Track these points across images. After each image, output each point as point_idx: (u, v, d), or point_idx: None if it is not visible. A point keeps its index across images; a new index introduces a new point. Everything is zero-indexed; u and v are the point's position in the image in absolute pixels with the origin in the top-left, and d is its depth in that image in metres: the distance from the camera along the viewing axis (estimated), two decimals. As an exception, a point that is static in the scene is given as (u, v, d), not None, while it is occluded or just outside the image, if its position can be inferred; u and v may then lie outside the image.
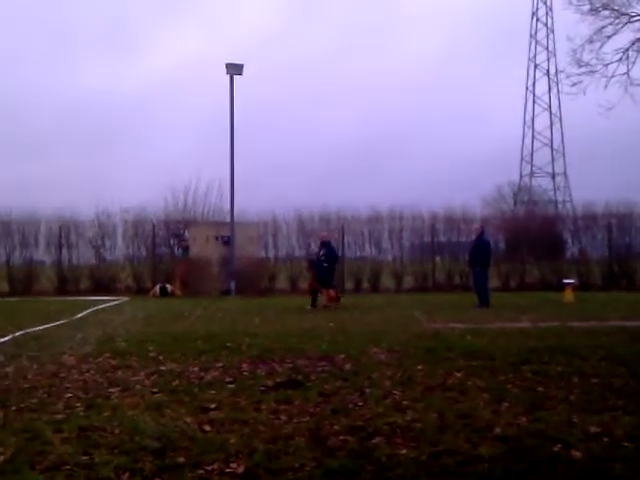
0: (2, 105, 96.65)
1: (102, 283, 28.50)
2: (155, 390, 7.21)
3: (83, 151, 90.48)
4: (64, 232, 29.04)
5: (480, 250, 19.39)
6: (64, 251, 29.16)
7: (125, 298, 24.28)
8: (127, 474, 4.54)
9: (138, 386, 7.46)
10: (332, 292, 18.87)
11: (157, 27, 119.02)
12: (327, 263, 19.39)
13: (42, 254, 29.51)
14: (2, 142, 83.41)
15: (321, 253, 19.62)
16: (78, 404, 6.59)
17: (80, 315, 16.47)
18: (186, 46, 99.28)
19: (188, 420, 5.88)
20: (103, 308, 19.23)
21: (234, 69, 25.91)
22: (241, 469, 4.63)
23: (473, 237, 21.39)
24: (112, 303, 21.43)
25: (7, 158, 78.66)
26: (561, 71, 14.61)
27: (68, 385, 7.54)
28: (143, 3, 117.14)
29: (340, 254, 28.80)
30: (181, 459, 4.81)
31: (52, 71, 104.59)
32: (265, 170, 79.65)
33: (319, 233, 22.70)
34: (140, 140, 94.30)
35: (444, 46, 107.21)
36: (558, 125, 73.55)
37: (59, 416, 6.10)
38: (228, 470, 4.62)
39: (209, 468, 4.65)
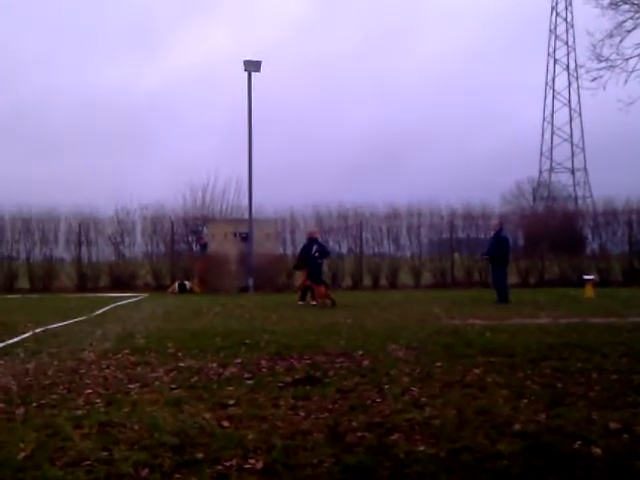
0: (26, 105, 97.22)
1: (121, 280, 28.66)
2: (174, 386, 7.24)
3: (105, 149, 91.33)
4: (83, 229, 29.26)
5: (499, 247, 19.31)
6: (83, 248, 29.40)
7: (144, 295, 24.41)
8: (146, 470, 4.55)
9: (157, 382, 7.49)
10: (322, 289, 18.88)
11: (180, 26, 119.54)
12: (320, 259, 19.57)
13: (62, 251, 29.78)
14: (25, 141, 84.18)
15: (314, 249, 19.54)
16: (98, 400, 6.63)
17: (99, 312, 16.58)
18: (209, 45, 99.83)
19: (207, 416, 5.90)
20: (122, 305, 19.33)
21: (252, 66, 25.93)
22: (259, 465, 4.63)
23: (492, 233, 21.30)
24: (131, 300, 21.56)
25: (29, 157, 79.43)
26: (581, 66, 14.52)
27: (88, 381, 7.59)
28: (166, 2, 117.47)
29: (358, 251, 28.90)
30: (200, 455, 4.83)
31: (75, 71, 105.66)
32: (285, 167, 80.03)
33: (309, 230, 22.62)
34: (162, 138, 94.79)
35: (463, 44, 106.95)
36: (578, 120, 73.15)
37: (79, 412, 6.13)
38: (246, 466, 4.63)
39: (227, 464, 4.66)
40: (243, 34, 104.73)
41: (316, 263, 19.35)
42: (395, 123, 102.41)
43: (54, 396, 6.84)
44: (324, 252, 20.08)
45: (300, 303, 19.00)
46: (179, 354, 9.31)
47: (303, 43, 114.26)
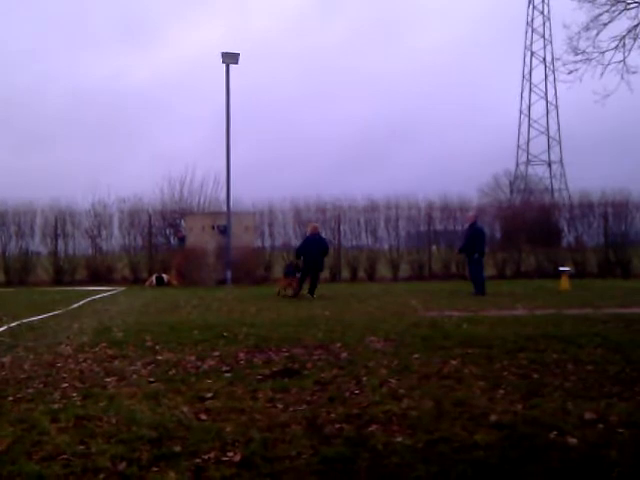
0: (14, 97, 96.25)
1: (98, 273, 28.49)
2: (152, 379, 7.21)
3: (90, 142, 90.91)
4: (60, 222, 29.02)
5: (474, 238, 19.41)
6: (60, 241, 29.16)
7: (121, 288, 24.30)
8: (124, 463, 4.53)
9: (135, 376, 7.46)
10: (291, 281, 19.44)
11: (172, 19, 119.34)
12: (323, 255, 19.68)
13: (38, 244, 29.51)
14: (11, 133, 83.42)
15: (318, 244, 19.64)
16: (74, 394, 6.59)
17: (76, 305, 16.47)
18: (200, 38, 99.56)
19: (185, 409, 5.89)
20: (99, 298, 19.22)
21: (230, 58, 25.81)
22: (237, 457, 4.63)
23: (466, 226, 21.41)
24: (108, 293, 21.44)
25: (13, 148, 78.68)
26: (557, 59, 14.58)
27: (64, 375, 7.54)
28: None
29: (336, 243, 28.96)
30: (177, 448, 4.82)
31: (64, 63, 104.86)
32: (270, 161, 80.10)
33: (312, 224, 22.64)
34: (149, 132, 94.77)
35: (447, 38, 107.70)
36: (554, 113, 73.73)
37: (55, 406, 6.09)
38: (225, 459, 4.62)
39: (206, 457, 4.65)
40: (234, 27, 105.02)
41: (318, 257, 19.42)
42: (379, 117, 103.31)
43: (30, 390, 6.79)
44: (326, 249, 20.10)
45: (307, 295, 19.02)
46: (157, 347, 9.28)
47: (293, 37, 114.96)
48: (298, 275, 19.59)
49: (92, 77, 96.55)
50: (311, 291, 19.11)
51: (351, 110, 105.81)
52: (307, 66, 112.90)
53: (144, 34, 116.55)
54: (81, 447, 4.87)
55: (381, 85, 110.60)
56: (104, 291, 22.16)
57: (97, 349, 9.21)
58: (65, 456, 4.68)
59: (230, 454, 4.70)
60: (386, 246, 30.01)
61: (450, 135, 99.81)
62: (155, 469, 4.45)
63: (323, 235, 21.87)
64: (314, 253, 19.31)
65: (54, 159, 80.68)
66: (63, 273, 28.65)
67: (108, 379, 7.29)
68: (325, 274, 28.64)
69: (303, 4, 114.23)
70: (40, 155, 79.48)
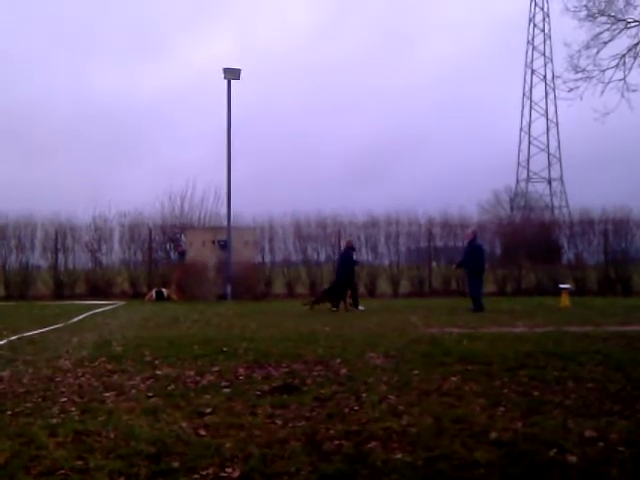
0: (20, 109, 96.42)
1: (98, 287, 28.47)
2: (150, 394, 7.19)
3: (95, 155, 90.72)
4: (60, 236, 29.01)
5: (473, 256, 19.46)
6: (60, 255, 29.13)
7: (121, 302, 24.26)
8: (122, 478, 4.53)
9: (134, 390, 7.45)
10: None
11: (182, 33, 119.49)
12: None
13: (38, 258, 29.48)
14: (15, 146, 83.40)
15: (355, 257, 21.25)
16: (73, 408, 6.58)
17: (76, 319, 16.45)
18: (208, 53, 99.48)
19: (183, 425, 5.87)
20: (99, 312, 19.19)
21: (231, 74, 25.91)
22: (236, 474, 4.62)
23: (465, 242, 21.45)
24: (108, 307, 21.41)
25: (17, 161, 78.72)
26: (558, 77, 14.63)
27: (63, 389, 7.52)
28: (168, 8, 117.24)
29: (336, 259, 29.03)
30: (176, 464, 4.80)
31: (70, 75, 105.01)
32: (274, 175, 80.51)
33: (347, 239, 23.97)
34: (155, 146, 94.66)
35: (449, 56, 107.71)
36: (554, 131, 73.76)
37: (54, 420, 6.08)
38: (223, 475, 4.61)
39: (204, 473, 4.64)
40: (243, 42, 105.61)
41: (348, 272, 20.27)
42: (382, 132, 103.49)
43: (29, 404, 6.77)
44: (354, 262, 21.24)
45: (351, 309, 19.66)
46: (156, 362, 9.26)
47: (300, 51, 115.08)
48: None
49: (98, 90, 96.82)
50: (354, 303, 19.95)
51: (355, 125, 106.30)
52: (313, 81, 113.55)
53: (152, 47, 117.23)
54: (79, 462, 4.86)
55: (384, 100, 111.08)
56: (104, 305, 22.13)
57: (96, 363, 9.20)
58: (63, 471, 4.67)
59: (229, 470, 4.69)
60: (386, 262, 29.99)
61: (452, 151, 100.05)
62: (153, 485, 4.44)
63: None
64: (340, 268, 20.66)
65: (58, 172, 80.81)
66: (63, 287, 28.61)
67: (107, 394, 7.27)
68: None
69: (311, 19, 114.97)
70: (44, 168, 79.70)
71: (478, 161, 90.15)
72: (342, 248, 22.08)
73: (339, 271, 20.63)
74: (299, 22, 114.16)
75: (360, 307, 19.73)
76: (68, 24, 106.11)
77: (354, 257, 21.00)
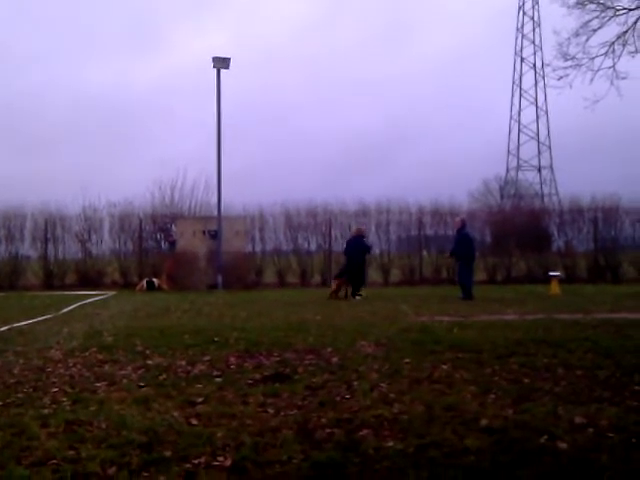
0: (17, 101, 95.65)
1: (89, 277, 28.38)
2: (142, 384, 7.19)
3: (89, 147, 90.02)
4: (50, 226, 28.87)
5: (462, 244, 19.52)
6: (50, 245, 29.00)
7: (112, 292, 24.21)
8: (114, 468, 4.52)
9: (125, 380, 7.44)
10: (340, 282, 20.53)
11: (178, 24, 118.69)
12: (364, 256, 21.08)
13: (28, 248, 29.35)
14: (11, 137, 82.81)
15: (363, 245, 21.20)
16: (64, 399, 6.57)
17: (66, 309, 16.41)
18: (205, 44, 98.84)
19: (175, 414, 5.88)
20: (90, 302, 19.15)
21: (221, 63, 25.79)
22: (228, 462, 4.63)
23: (454, 231, 21.52)
24: (99, 297, 21.36)
25: (12, 153, 78.18)
26: (547, 64, 14.62)
27: (54, 380, 7.51)
28: (164, 1, 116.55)
29: (327, 248, 29.04)
30: (168, 453, 4.81)
31: (66, 67, 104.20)
32: (269, 165, 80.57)
33: (357, 227, 23.87)
34: (149, 136, 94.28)
35: (441, 45, 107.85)
36: (544, 119, 73.99)
37: (45, 411, 6.08)
38: (215, 463, 4.62)
39: (196, 462, 4.64)
40: (240, 33, 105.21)
41: (361, 259, 20.62)
42: (375, 122, 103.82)
43: (20, 395, 6.76)
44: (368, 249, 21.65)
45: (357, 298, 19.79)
46: (147, 352, 9.26)
47: (299, 42, 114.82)
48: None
49: (95, 81, 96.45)
50: (353, 293, 20.01)
51: (349, 115, 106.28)
52: (310, 71, 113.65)
53: (149, 39, 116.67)
54: (71, 452, 4.86)
55: (379, 91, 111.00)
56: (94, 295, 22.08)
57: (87, 354, 9.19)
58: (55, 461, 4.67)
59: (221, 459, 4.69)
60: (377, 251, 30.00)
61: (444, 140, 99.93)
62: (145, 474, 4.45)
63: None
64: (353, 255, 20.72)
65: (52, 164, 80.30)
66: (53, 277, 28.50)
67: (98, 384, 7.27)
68: (316, 278, 28.78)
69: (309, 10, 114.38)
70: (39, 160, 79.11)
71: (470, 150, 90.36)
72: (351, 235, 22.27)
73: (353, 258, 20.65)
74: (297, 13, 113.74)
75: (357, 296, 19.78)
76: (64, 17, 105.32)
77: (368, 244, 21.06)
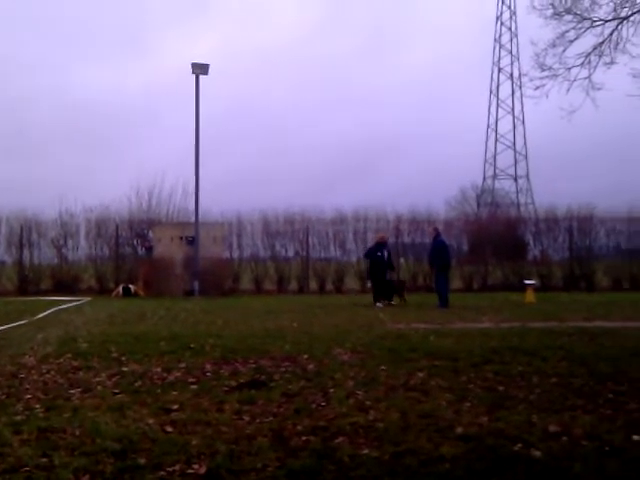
0: (5, 105, 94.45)
1: (64, 283, 28.14)
2: (117, 391, 7.14)
3: (75, 152, 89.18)
4: (25, 231, 28.61)
5: (437, 252, 19.67)
6: (25, 250, 28.73)
7: (87, 298, 24.02)
8: (87, 476, 4.48)
9: (99, 387, 7.39)
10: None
11: (167, 31, 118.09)
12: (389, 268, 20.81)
13: (3, 254, 29.09)
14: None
15: (385, 255, 20.70)
16: (38, 405, 6.50)
17: (41, 315, 16.26)
18: (196, 50, 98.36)
19: (150, 421, 5.84)
20: (65, 308, 19.00)
21: (199, 69, 25.79)
22: (203, 470, 4.60)
23: (430, 240, 21.71)
24: (74, 303, 21.18)
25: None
26: (524, 75, 14.71)
27: (28, 386, 7.44)
28: (155, 5, 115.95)
29: (305, 255, 29.04)
30: (142, 460, 4.77)
31: (54, 72, 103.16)
32: (253, 172, 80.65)
33: (379, 234, 23.41)
34: (136, 141, 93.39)
35: (425, 55, 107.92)
36: (521, 128, 74.49)
37: (18, 417, 6.01)
38: (190, 471, 4.59)
39: (170, 469, 4.61)
40: (230, 40, 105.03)
41: (384, 267, 20.40)
42: (356, 133, 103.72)
43: (-8, 401, 6.69)
44: (391, 263, 21.21)
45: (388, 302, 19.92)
46: (122, 358, 9.20)
47: (286, 51, 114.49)
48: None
49: (81, 86, 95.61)
50: (375, 299, 20.00)
51: (330, 125, 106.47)
52: (295, 81, 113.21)
53: (137, 45, 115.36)
54: (44, 459, 4.81)
55: (361, 101, 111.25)
56: (70, 301, 21.89)
57: (61, 360, 9.11)
58: (27, 468, 4.62)
59: (195, 466, 4.67)
60: (354, 258, 30.06)
61: (424, 149, 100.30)
62: (119, 482, 4.41)
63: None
64: (378, 262, 20.50)
65: (31, 168, 79.34)
66: (28, 283, 28.25)
67: (72, 390, 7.21)
68: (293, 285, 28.77)
69: (299, 19, 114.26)
70: (17, 164, 78.13)
71: (449, 159, 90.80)
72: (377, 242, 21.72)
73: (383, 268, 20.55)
74: (287, 21, 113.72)
75: (378, 304, 19.65)
76: (51, 21, 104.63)
77: (379, 254, 20.56)
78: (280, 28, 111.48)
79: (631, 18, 12.04)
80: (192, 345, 10.25)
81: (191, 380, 7.70)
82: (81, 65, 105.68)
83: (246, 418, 6.00)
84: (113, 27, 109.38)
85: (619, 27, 12.20)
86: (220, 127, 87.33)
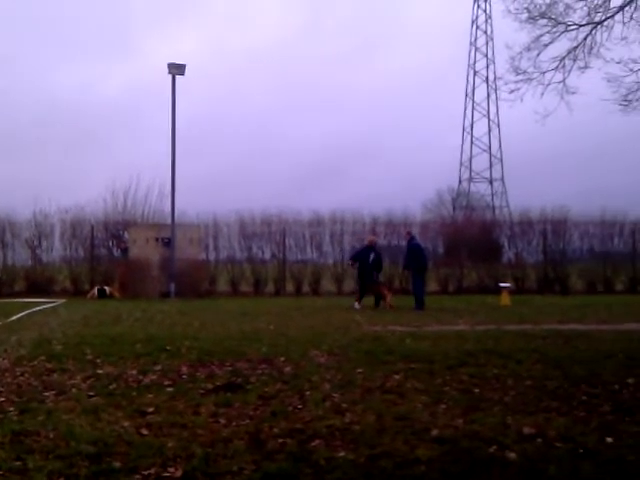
0: None
1: (38, 285, 27.85)
2: (91, 394, 7.09)
3: (52, 152, 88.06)
4: (-1, 232, 28.32)
5: (412, 255, 19.80)
6: (-2, 251, 28.43)
7: (62, 300, 23.81)
8: (61, 479, 4.45)
9: (74, 390, 7.33)
10: (383, 289, 20.49)
11: (151, 31, 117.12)
12: (376, 270, 20.72)
13: (-25, 255, 28.71)
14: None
15: (371, 258, 20.57)
16: (11, 408, 6.44)
17: (14, 318, 16.09)
18: (177, 50, 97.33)
19: (125, 424, 5.81)
20: (39, 310, 18.81)
21: (176, 69, 25.67)
22: (179, 473, 4.59)
23: (404, 243, 21.86)
24: (48, 305, 20.99)
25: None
26: (499, 78, 14.80)
27: (1, 389, 7.36)
28: (137, 5, 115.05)
29: (281, 257, 29.00)
30: (117, 464, 4.75)
31: (35, 71, 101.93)
32: (231, 174, 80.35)
33: (369, 237, 23.35)
34: (113, 142, 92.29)
35: (396, 62, 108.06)
36: (496, 131, 75.01)
37: (-9, 421, 5.96)
38: (165, 474, 4.58)
39: (146, 473, 4.59)
40: (212, 40, 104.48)
41: (370, 271, 20.38)
42: (332, 136, 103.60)
43: (-35, 404, 6.61)
44: (379, 265, 21.13)
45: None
46: (97, 361, 9.13)
47: (269, 53, 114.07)
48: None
49: (61, 85, 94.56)
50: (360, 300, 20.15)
51: (308, 128, 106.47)
52: (275, 83, 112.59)
53: (120, 44, 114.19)
54: (18, 463, 4.76)
55: (338, 105, 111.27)
56: (44, 303, 21.68)
57: (35, 362, 9.02)
58: (1, 472, 4.58)
59: (171, 470, 4.65)
60: (331, 260, 30.09)
61: (402, 153, 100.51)
62: (94, 485, 4.38)
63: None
64: (366, 263, 20.49)
65: (5, 167, 78.54)
66: (1, 284, 27.93)
67: (46, 393, 7.15)
68: (270, 287, 28.74)
69: (283, 23, 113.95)
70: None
71: (426, 162, 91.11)
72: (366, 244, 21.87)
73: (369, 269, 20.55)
74: (271, 22, 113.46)
75: (356, 305, 19.86)
76: (32, 19, 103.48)
77: (370, 257, 20.58)
78: (264, 30, 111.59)
79: (605, 23, 12.16)
80: (168, 347, 10.20)
81: (167, 383, 7.67)
82: (61, 64, 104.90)
83: (222, 421, 5.99)
84: (97, 27, 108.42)
85: (593, 32, 12.31)
86: (200, 128, 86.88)
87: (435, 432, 5.54)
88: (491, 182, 74.90)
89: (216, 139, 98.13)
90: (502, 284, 23.25)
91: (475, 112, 75.52)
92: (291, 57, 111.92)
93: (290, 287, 29.02)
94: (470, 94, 75.70)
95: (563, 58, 12.71)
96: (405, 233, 21.63)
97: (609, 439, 5.34)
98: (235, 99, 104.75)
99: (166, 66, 25.56)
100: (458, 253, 30.54)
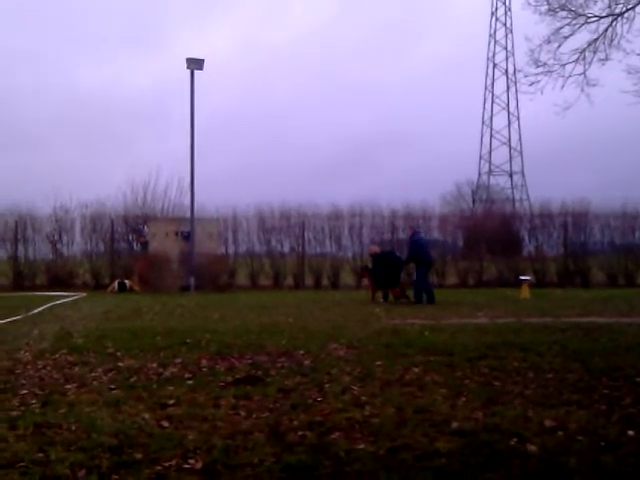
0: (9, 99, 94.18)
1: (59, 278, 28.08)
2: (112, 386, 7.14)
3: (80, 146, 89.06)
4: (20, 227, 28.56)
5: (412, 250, 19.87)
6: (20, 246, 28.69)
7: (82, 294, 23.98)
8: (83, 471, 4.49)
9: (95, 382, 7.39)
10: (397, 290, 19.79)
11: (179, 26, 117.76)
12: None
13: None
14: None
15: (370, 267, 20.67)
16: (34, 401, 6.50)
17: (36, 311, 16.23)
18: (205, 45, 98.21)
19: (146, 416, 5.84)
20: (60, 304, 18.95)
21: (194, 64, 25.69)
22: (199, 465, 4.61)
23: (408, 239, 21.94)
24: (69, 299, 21.16)
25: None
26: (519, 70, 14.70)
27: (24, 381, 7.44)
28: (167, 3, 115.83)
29: (300, 250, 28.98)
30: (138, 455, 4.78)
31: (61, 65, 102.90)
32: (254, 168, 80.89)
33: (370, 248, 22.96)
34: (133, 137, 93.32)
35: (422, 54, 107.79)
36: (516, 124, 74.52)
37: (14, 413, 6.01)
38: (186, 466, 4.60)
39: (167, 464, 4.62)
40: (241, 36, 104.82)
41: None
42: (354, 129, 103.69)
43: (-12, 397, 6.68)
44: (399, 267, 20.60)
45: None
46: (118, 354, 9.19)
47: (292, 49, 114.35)
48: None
49: (86, 81, 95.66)
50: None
51: (329, 121, 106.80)
52: (300, 76, 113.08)
53: (147, 40, 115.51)
54: (40, 455, 4.81)
55: (363, 98, 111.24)
56: (65, 297, 21.85)
57: (57, 355, 9.10)
58: (23, 464, 4.62)
59: (192, 462, 4.68)
60: (350, 254, 30.06)
61: (423, 145, 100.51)
62: (115, 477, 4.41)
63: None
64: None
65: (29, 163, 79.09)
66: (23, 278, 28.19)
67: (68, 386, 7.21)
68: (289, 281, 28.78)
69: (307, 17, 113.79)
70: (14, 159, 77.74)
71: (447, 154, 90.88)
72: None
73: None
74: (299, 19, 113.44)
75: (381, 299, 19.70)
76: (56, 16, 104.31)
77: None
78: (287, 24, 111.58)
79: (625, 14, 12.07)
80: (188, 340, 10.25)
81: (187, 375, 7.71)
82: (88, 60, 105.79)
83: (242, 413, 6.01)
84: (124, 23, 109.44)
85: (613, 23, 12.22)
86: (222, 122, 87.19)
87: (455, 425, 5.53)
88: (511, 175, 74.55)
89: (237, 133, 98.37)
90: (522, 277, 23.11)
91: (495, 105, 75.15)
92: (308, 50, 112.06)
93: (309, 281, 29.01)
94: (489, 87, 75.35)
95: (583, 50, 12.62)
96: (410, 228, 21.68)
97: (630, 432, 5.30)
98: (256, 93, 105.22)
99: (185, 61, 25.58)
100: (478, 246, 30.39)
